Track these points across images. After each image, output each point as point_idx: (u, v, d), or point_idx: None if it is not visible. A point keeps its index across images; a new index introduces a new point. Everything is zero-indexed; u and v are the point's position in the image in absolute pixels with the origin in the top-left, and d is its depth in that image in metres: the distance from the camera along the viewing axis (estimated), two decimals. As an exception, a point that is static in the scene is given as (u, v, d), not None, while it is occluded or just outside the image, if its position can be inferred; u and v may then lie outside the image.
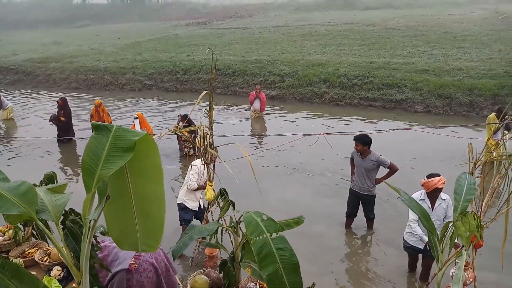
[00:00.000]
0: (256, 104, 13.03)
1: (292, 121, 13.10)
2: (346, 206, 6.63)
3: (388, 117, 12.92)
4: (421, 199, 5.02)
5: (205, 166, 5.02)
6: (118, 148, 2.01)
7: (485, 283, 5.09)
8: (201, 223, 6.04)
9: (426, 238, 4.91)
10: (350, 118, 13.00)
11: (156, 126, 11.96)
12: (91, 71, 20.39)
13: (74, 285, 3.83)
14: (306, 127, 12.15)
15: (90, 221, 2.06)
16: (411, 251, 5.30)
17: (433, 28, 24.23)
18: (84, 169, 2.04)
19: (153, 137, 5.05)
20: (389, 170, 6.14)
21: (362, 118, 12.89)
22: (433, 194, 4.98)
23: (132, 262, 2.88)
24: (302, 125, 12.59)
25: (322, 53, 19.58)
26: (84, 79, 20.03)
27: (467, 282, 4.48)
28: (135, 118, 4.66)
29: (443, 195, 5.05)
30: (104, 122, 10.82)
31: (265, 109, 13.42)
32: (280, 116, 13.78)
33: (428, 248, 4.95)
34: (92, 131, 2.12)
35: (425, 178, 4.97)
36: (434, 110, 13.19)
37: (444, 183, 4.91)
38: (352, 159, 6.42)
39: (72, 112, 11.68)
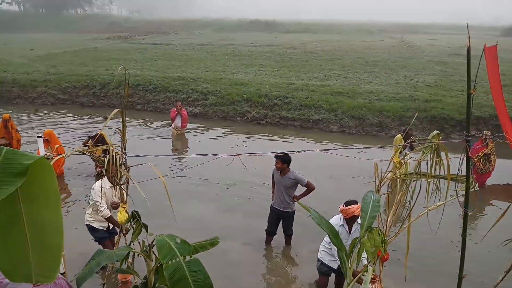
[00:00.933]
0: (178, 121, 12.85)
1: (215, 139, 13.10)
2: (267, 223, 6.72)
3: (305, 136, 13.44)
4: (341, 224, 5.10)
5: (116, 188, 4.81)
6: (8, 172, 1.85)
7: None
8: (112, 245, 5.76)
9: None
10: (271, 137, 13.31)
11: (68, 143, 11.27)
12: (-3, 83, 18.73)
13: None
14: (227, 144, 12.22)
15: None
16: (326, 270, 5.32)
17: (347, 53, 25.91)
18: (-33, 196, 1.84)
19: (61, 156, 4.75)
20: (306, 188, 6.35)
21: (280, 138, 13.29)
22: (351, 220, 5.08)
23: None
24: (223, 142, 12.66)
25: (244, 73, 19.95)
26: (-13, 91, 18.32)
27: (375, 294, 4.72)
28: (38, 137, 4.30)
29: (358, 219, 5.20)
30: (12, 138, 9.95)
31: (187, 126, 13.28)
32: (202, 133, 13.71)
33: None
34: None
35: (344, 205, 5.04)
36: (348, 130, 13.98)
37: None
38: (273, 177, 6.56)
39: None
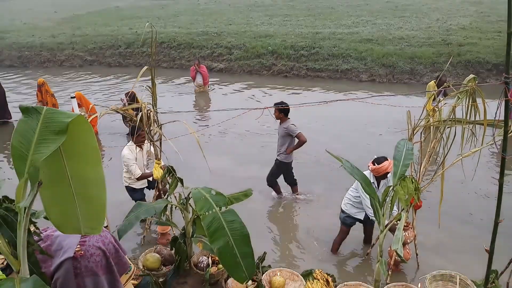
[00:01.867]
0: (199, 79, 12.83)
1: (241, 94, 13.06)
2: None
3: (335, 87, 13.19)
4: (372, 182, 4.90)
5: (152, 144, 4.92)
6: (50, 131, 1.93)
7: (425, 241, 5.45)
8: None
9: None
10: (299, 89, 13.15)
11: (99, 103, 11.50)
12: (26, 48, 19.02)
13: (18, 273, 3.69)
14: (254, 99, 12.18)
15: (24, 208, 1.97)
16: (351, 221, 5.28)
17: (375, -3, 24.74)
18: (14, 155, 1.93)
19: (94, 116, 4.87)
20: (298, 140, 6.34)
21: (307, 90, 13.09)
22: (382, 177, 4.92)
23: (77, 249, 2.80)
24: (250, 97, 12.59)
25: (268, 24, 19.45)
26: (18, 56, 18.67)
27: (408, 241, 4.78)
28: (71, 98, 4.42)
29: (389, 175, 4.97)
30: (47, 103, 10.20)
31: (209, 82, 13.23)
32: (227, 88, 13.67)
33: (369, 218, 5.01)
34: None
35: (373, 163, 4.83)
36: (378, 79, 13.61)
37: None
38: None
39: (5, 92, 10.97)
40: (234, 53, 16.00)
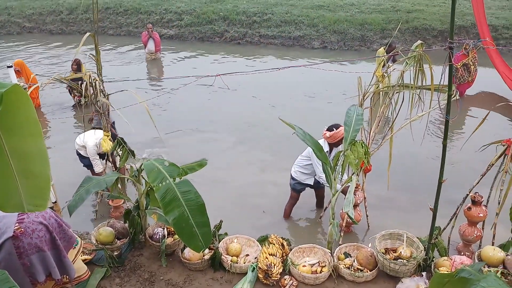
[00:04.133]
0: (151, 45, 12.34)
1: (192, 61, 12.76)
2: None
3: (287, 54, 13.18)
4: (327, 151, 4.86)
5: (100, 115, 4.72)
6: (-19, 102, 1.77)
7: (375, 203, 5.67)
8: None
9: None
10: (252, 57, 13.02)
11: (40, 74, 10.83)
12: (-46, 13, 17.44)
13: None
14: (206, 66, 11.93)
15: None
16: (301, 187, 5.35)
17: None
18: None
19: (35, 86, 4.57)
20: None
21: (260, 56, 12.99)
22: (337, 144, 4.90)
23: (16, 227, 2.67)
24: (201, 64, 12.32)
25: (219, -12, 18.89)
26: None
27: (358, 201, 4.96)
28: (8, 67, 4.08)
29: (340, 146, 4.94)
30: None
31: (161, 49, 12.78)
32: (178, 55, 13.29)
33: (319, 183, 5.11)
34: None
35: (327, 131, 4.83)
36: (330, 46, 13.72)
37: None
38: None
39: None
40: (184, 19, 15.48)
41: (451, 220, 4.36)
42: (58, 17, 16.72)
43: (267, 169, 6.87)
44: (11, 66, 4.30)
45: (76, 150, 5.81)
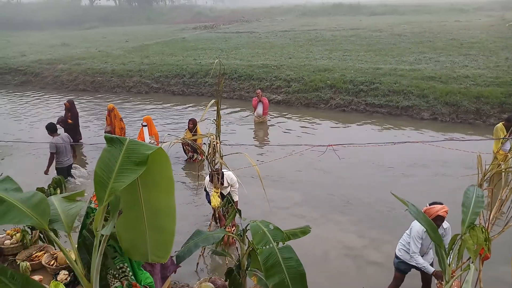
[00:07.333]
0: (259, 109, 13.10)
1: (297, 127, 13.10)
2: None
3: (394, 123, 12.90)
4: (425, 231, 4.65)
5: (213, 174, 5.04)
6: (131, 161, 2.04)
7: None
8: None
9: (430, 269, 4.71)
10: (357, 124, 12.99)
11: (162, 130, 12.00)
12: (99, 73, 20.53)
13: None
14: (312, 134, 12.16)
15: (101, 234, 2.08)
16: (405, 267, 5.02)
17: (439, 34, 24.15)
18: (96, 181, 2.06)
19: (163, 145, 5.08)
20: None
21: (372, 124, 12.88)
22: (435, 222, 4.52)
23: None
24: (307, 132, 12.58)
25: (328, 58, 19.58)
26: (91, 81, 20.17)
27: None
28: (144, 126, 4.64)
29: (444, 223, 4.79)
30: (114, 127, 10.82)
31: (268, 112, 13.44)
32: (286, 122, 13.77)
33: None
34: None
35: (427, 205, 4.69)
36: (440, 117, 13.14)
37: (446, 212, 4.57)
38: None
39: (79, 114, 11.79)
40: (292, 86, 16.20)
41: None
42: (181, 80, 18.70)
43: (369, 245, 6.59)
44: (145, 125, 4.87)
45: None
